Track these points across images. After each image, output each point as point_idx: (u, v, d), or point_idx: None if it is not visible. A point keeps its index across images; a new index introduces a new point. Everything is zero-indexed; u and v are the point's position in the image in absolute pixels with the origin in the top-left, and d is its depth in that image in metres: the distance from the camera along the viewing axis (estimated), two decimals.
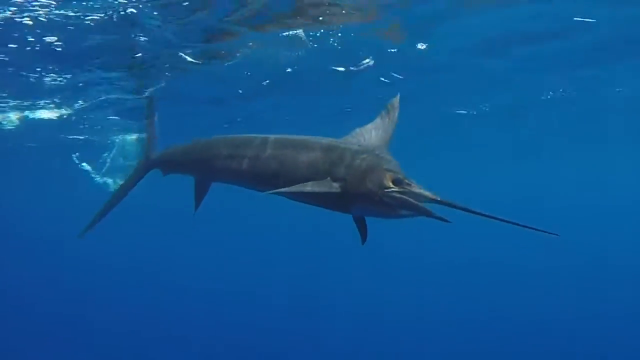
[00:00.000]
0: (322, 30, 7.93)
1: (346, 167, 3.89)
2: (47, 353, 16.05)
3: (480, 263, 29.61)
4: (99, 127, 15.65)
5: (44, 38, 7.39)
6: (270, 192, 4.04)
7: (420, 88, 12.58)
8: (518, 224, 3.13)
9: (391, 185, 3.59)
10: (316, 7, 6.97)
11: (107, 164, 17.12)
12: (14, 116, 13.41)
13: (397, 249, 31.81)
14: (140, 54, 8.68)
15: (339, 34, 8.13)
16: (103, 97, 11.84)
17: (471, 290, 23.93)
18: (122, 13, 6.64)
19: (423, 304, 22.00)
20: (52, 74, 9.66)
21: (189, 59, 9.01)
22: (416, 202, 3.49)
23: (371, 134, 4.38)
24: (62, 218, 26.36)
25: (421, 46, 9.23)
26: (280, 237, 35.78)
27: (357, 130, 4.49)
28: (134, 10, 6.58)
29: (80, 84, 10.58)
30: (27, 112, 13.12)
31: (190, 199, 6.02)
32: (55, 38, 7.42)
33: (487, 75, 11.95)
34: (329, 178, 3.92)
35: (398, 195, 3.55)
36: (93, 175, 17.53)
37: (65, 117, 13.47)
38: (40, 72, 9.48)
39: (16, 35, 7.17)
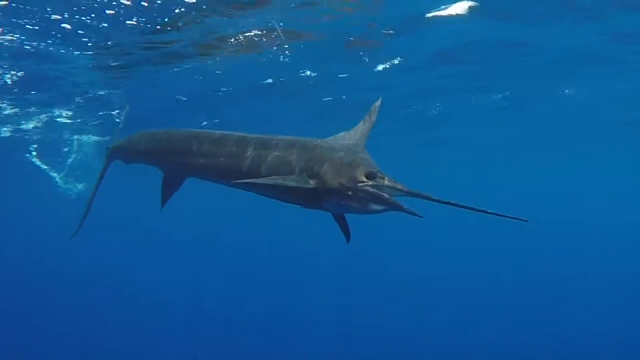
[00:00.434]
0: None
1: (320, 163, 3.94)
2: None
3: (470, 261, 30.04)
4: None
5: None
6: (246, 181, 4.06)
7: None
8: (489, 212, 3.26)
9: (364, 179, 3.66)
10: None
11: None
12: None
13: (383, 249, 32.14)
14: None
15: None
16: None
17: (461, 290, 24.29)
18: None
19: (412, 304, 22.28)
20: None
21: None
22: (388, 196, 3.57)
23: (351, 135, 4.47)
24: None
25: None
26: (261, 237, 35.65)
27: (342, 133, 4.58)
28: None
29: None
30: None
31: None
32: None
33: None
34: (304, 174, 3.97)
35: (371, 189, 3.63)
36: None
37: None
38: None
39: None
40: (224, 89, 12.23)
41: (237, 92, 12.40)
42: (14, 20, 7.02)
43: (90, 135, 16.55)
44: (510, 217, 3.29)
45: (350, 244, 4.83)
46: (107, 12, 6.86)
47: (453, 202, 3.32)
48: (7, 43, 7.86)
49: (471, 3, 7.55)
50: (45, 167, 17.75)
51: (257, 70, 10.53)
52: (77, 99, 12.25)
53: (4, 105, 12.46)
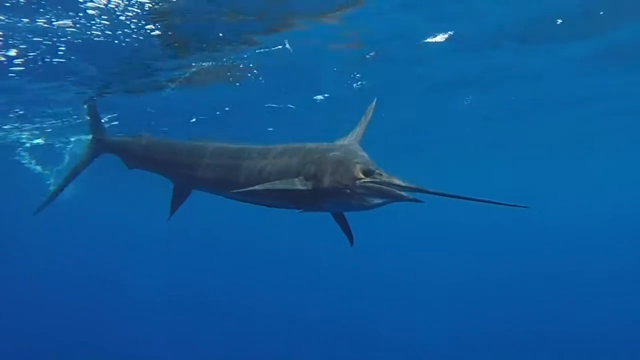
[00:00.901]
0: None
1: (315, 164, 3.98)
2: None
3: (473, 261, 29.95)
4: None
5: None
6: (244, 190, 4.10)
7: None
8: (489, 201, 3.30)
9: (362, 176, 3.71)
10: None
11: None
12: None
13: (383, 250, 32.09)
14: None
15: None
16: None
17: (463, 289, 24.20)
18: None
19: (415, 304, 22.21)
20: None
21: None
22: (390, 189, 3.61)
23: (349, 137, 4.51)
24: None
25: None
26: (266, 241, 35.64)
27: (342, 138, 4.60)
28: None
29: None
30: None
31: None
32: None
33: None
34: (301, 177, 4.01)
35: (370, 184, 3.67)
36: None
37: None
38: None
39: None
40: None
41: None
42: None
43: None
44: (509, 205, 3.31)
45: (349, 244, 4.84)
46: None
47: (450, 193, 3.34)
48: None
49: None
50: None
51: None
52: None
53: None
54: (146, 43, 7.04)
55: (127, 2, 5.82)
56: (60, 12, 5.94)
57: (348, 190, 3.75)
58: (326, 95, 11.75)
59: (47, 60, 7.43)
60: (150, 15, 6.23)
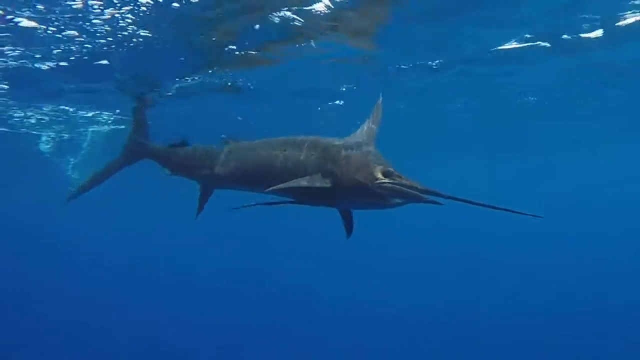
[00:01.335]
0: None
1: (335, 162, 4.08)
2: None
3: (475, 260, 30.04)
4: None
5: None
6: (271, 189, 4.20)
7: None
8: (503, 209, 3.32)
9: (381, 177, 3.80)
10: None
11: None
12: None
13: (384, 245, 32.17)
14: None
15: None
16: None
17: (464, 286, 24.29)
18: None
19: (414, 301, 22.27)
20: None
21: None
22: (409, 190, 3.70)
23: (359, 134, 4.52)
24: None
25: None
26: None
27: (353, 134, 4.63)
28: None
29: None
30: None
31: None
32: None
33: None
34: (319, 174, 4.11)
35: (390, 185, 3.76)
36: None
37: None
38: None
39: None
40: None
41: None
42: None
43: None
44: (523, 214, 3.31)
45: (350, 243, 4.99)
46: None
47: (467, 199, 3.36)
48: None
49: None
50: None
51: None
52: None
53: None
54: None
55: None
56: None
57: (368, 190, 3.85)
58: None
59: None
60: None
